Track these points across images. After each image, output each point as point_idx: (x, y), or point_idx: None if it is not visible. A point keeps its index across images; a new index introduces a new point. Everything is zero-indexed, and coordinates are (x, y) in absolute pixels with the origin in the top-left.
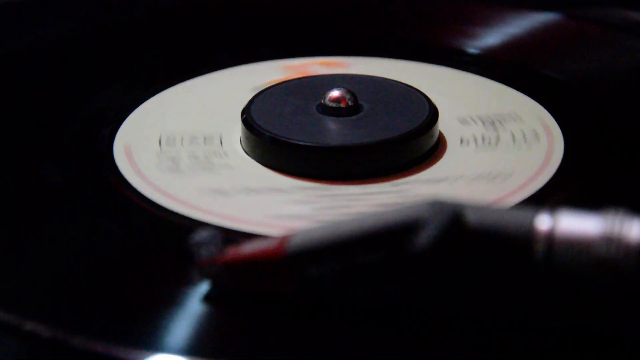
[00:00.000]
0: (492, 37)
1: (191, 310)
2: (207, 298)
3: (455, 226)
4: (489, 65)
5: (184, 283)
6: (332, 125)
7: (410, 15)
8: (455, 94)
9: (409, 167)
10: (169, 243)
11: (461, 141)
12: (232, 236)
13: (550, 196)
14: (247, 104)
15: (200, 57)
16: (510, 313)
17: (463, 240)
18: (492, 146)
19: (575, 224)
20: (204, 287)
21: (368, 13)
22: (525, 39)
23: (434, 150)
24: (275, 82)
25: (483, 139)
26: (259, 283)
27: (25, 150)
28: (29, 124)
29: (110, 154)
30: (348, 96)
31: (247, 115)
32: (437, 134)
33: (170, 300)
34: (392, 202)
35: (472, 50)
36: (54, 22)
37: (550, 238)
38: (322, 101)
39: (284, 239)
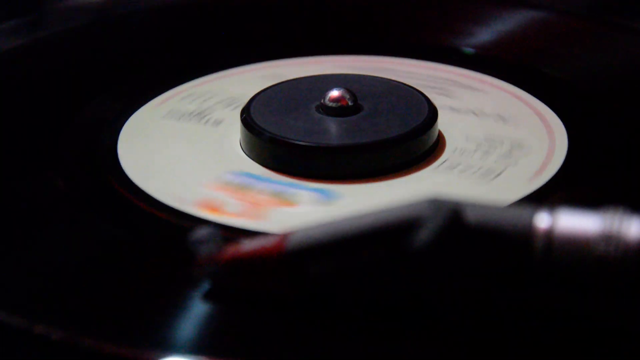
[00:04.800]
0: (491, 35)
1: (191, 309)
2: (207, 296)
3: (454, 224)
4: (489, 64)
5: (184, 282)
6: (332, 125)
7: (411, 14)
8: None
9: (409, 167)
10: (170, 242)
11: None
12: (231, 235)
13: (553, 194)
14: (246, 103)
15: (203, 58)
16: (510, 311)
17: (462, 239)
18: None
19: (575, 222)
20: (203, 286)
21: (366, 12)
22: (525, 37)
23: (433, 150)
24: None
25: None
26: (259, 281)
27: (29, 153)
28: (31, 126)
29: (114, 155)
30: (348, 96)
31: (247, 115)
32: (436, 134)
33: (170, 299)
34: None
35: (470, 49)
36: (56, 23)
37: (550, 236)
38: (322, 101)
39: (284, 237)
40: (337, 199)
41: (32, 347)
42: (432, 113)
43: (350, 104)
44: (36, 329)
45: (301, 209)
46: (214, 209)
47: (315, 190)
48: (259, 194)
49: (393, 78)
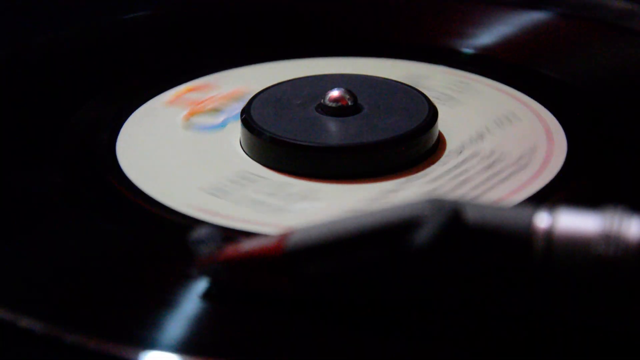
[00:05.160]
0: (489, 37)
1: (190, 308)
2: (206, 296)
3: (454, 224)
4: (488, 65)
5: (183, 281)
6: (331, 125)
7: (409, 14)
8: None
9: (409, 167)
10: (167, 241)
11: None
12: (231, 235)
13: (552, 194)
14: (246, 103)
15: (203, 58)
16: (510, 311)
17: (462, 238)
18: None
19: (574, 221)
20: (203, 285)
21: (365, 13)
22: (524, 38)
23: (433, 150)
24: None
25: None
26: (258, 280)
27: (26, 151)
28: (31, 125)
29: (112, 153)
30: (348, 96)
31: (247, 115)
32: (436, 134)
33: (169, 298)
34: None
35: (469, 50)
36: (55, 23)
37: (549, 236)
38: (322, 101)
39: (283, 237)
40: (217, 130)
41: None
42: (432, 113)
43: (350, 104)
44: (22, 322)
45: (190, 120)
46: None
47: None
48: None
49: (393, 78)
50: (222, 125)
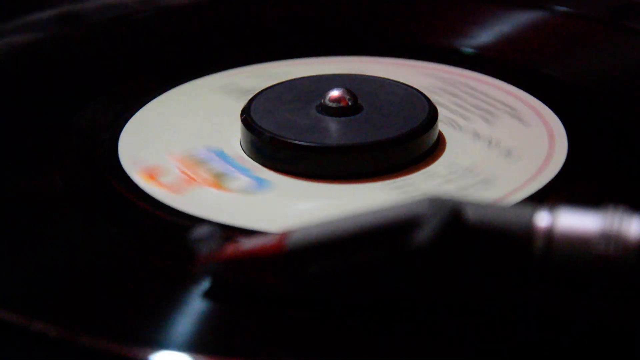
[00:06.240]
0: (490, 35)
1: (191, 307)
2: (207, 294)
3: (454, 223)
4: (489, 64)
5: (184, 280)
6: (332, 125)
7: (411, 14)
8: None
9: (409, 167)
10: (169, 240)
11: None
12: (231, 234)
13: (553, 194)
14: (246, 103)
15: (201, 59)
16: (510, 309)
17: (462, 237)
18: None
19: (575, 221)
20: (203, 284)
21: (364, 12)
22: (525, 37)
23: (433, 150)
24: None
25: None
26: (259, 279)
27: (29, 152)
28: (31, 126)
29: (115, 154)
30: (348, 96)
31: (247, 115)
32: (436, 134)
33: (170, 297)
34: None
35: (469, 50)
36: (55, 24)
37: (550, 235)
38: (322, 101)
39: (284, 236)
40: (267, 189)
41: (32, 345)
42: (432, 113)
43: (350, 104)
44: (34, 326)
45: (225, 194)
46: (151, 176)
47: (253, 177)
48: (205, 171)
49: (393, 78)
50: (261, 184)
